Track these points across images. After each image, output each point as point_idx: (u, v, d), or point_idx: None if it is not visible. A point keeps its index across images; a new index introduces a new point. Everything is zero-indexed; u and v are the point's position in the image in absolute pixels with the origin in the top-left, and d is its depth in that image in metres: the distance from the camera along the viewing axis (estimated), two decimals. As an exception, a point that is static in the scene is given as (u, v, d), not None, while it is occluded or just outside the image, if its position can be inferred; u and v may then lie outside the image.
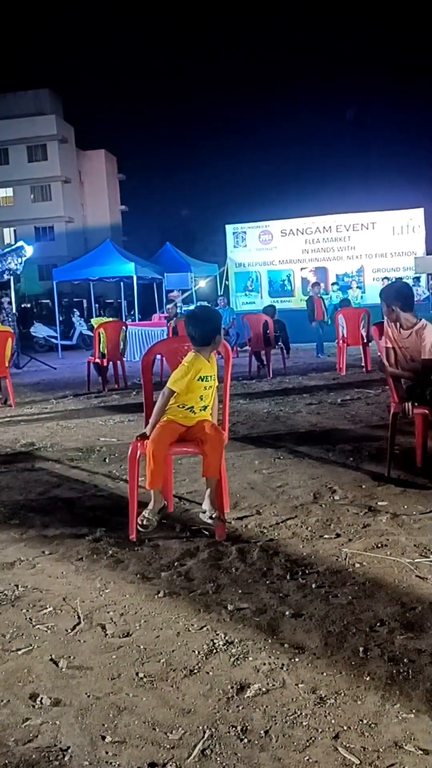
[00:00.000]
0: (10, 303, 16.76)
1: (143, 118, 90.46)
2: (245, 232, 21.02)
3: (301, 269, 20.61)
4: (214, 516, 3.70)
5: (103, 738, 2.07)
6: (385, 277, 19.23)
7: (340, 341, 11.63)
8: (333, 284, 19.68)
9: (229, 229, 21.17)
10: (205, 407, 3.92)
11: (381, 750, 1.96)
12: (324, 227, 20.49)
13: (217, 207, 46.60)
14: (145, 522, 3.72)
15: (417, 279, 19.33)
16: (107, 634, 2.73)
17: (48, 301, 29.06)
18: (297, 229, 20.66)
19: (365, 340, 11.39)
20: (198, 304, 16.63)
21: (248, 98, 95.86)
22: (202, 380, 3.86)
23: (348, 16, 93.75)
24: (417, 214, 19.97)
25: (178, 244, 25.79)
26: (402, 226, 19.92)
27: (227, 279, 21.60)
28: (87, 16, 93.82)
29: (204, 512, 3.75)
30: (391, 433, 4.78)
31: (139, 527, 3.72)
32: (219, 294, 20.48)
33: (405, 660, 2.42)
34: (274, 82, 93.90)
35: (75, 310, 24.11)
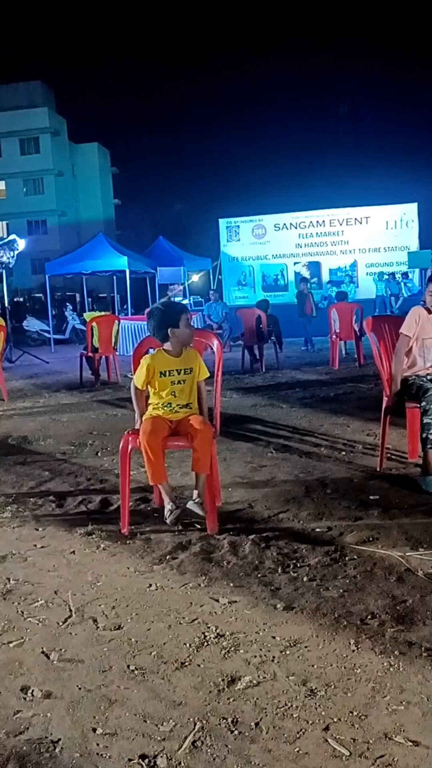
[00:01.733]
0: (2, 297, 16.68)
1: (136, 112, 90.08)
2: (239, 227, 21.00)
3: (295, 263, 20.61)
4: (196, 500, 3.81)
5: (94, 730, 2.08)
6: (382, 272, 19.28)
7: (333, 336, 11.64)
8: (327, 282, 19.71)
9: (223, 223, 21.14)
10: (185, 405, 3.94)
11: (371, 741, 1.96)
12: (317, 222, 20.49)
13: (210, 201, 46.41)
14: (172, 517, 3.81)
15: (405, 274, 19.38)
16: (98, 627, 2.73)
17: (40, 295, 28.99)
18: (290, 224, 20.65)
19: (358, 335, 11.40)
20: (160, 301, 16.56)
21: (242, 92, 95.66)
22: (165, 375, 3.89)
23: (343, 10, 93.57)
24: (411, 209, 19.98)
25: (171, 238, 25.68)
26: (396, 221, 19.94)
27: (220, 273, 21.58)
28: (79, 8, 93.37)
29: (194, 500, 3.84)
30: (383, 428, 4.79)
31: (169, 523, 3.81)
32: (211, 288, 20.45)
33: (396, 652, 2.43)
34: (267, 75, 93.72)
35: (68, 304, 24.02)
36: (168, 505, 3.85)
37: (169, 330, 3.90)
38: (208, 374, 4.07)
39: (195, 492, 3.90)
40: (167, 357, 3.93)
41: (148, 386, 3.96)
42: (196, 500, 3.85)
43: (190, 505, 3.86)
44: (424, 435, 4.25)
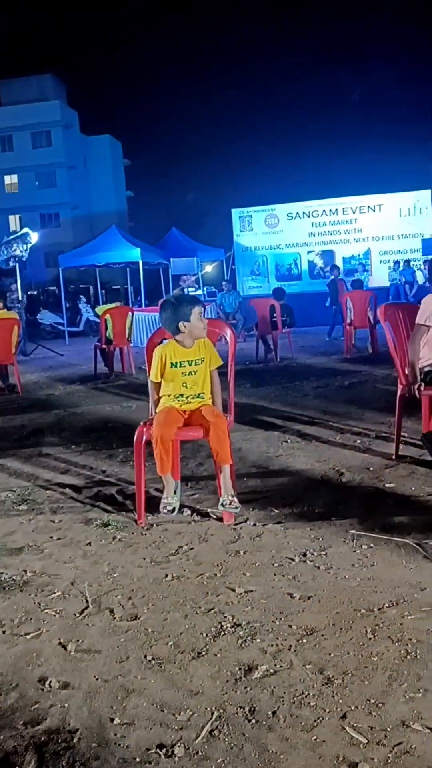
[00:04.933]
0: (16, 290, 16.73)
1: (147, 103, 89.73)
2: (251, 216, 20.93)
3: (308, 252, 20.53)
4: (226, 503, 3.67)
5: (112, 720, 2.08)
6: (397, 261, 19.16)
7: (347, 324, 11.59)
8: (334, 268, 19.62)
9: (235, 213, 21.07)
10: (198, 395, 3.91)
11: (388, 729, 1.96)
12: (330, 210, 20.38)
13: (222, 191, 46.31)
14: (167, 507, 3.76)
15: (426, 262, 19.20)
16: (115, 618, 2.74)
17: (54, 288, 29.05)
18: (303, 212, 20.55)
19: (372, 323, 11.35)
20: (173, 293, 16.50)
21: (253, 80, 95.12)
22: (176, 366, 3.86)
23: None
24: (424, 196, 19.83)
25: (184, 229, 25.63)
26: (409, 208, 19.79)
27: (234, 263, 21.52)
28: (90, 1, 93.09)
29: (222, 504, 3.69)
30: (398, 415, 4.76)
31: (164, 513, 3.76)
32: (225, 278, 20.41)
33: (413, 640, 2.41)
34: (278, 64, 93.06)
35: (81, 296, 24.09)
36: (166, 499, 3.81)
37: (180, 324, 3.87)
38: (221, 362, 4.04)
39: (221, 490, 3.73)
40: (178, 348, 3.90)
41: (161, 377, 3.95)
42: (226, 500, 3.66)
43: (221, 509, 3.70)
44: None
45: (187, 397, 3.89)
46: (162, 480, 3.88)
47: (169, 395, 3.90)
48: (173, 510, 3.77)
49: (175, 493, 3.85)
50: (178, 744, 1.96)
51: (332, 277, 15.82)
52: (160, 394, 3.96)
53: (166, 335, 4.13)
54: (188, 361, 3.89)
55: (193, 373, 3.90)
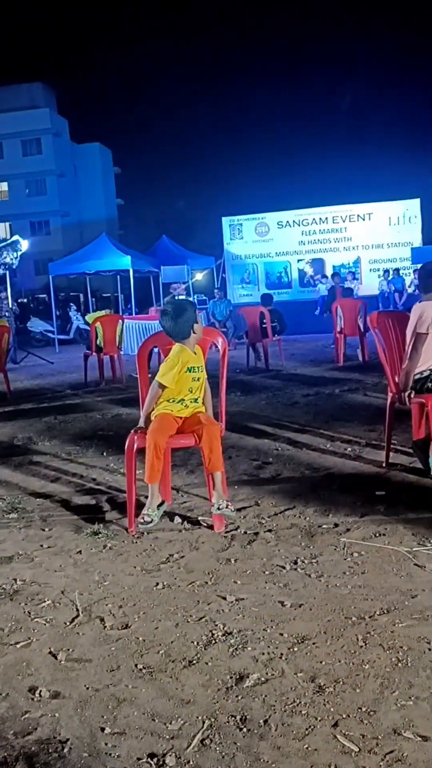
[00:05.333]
0: (6, 298, 16.67)
1: (138, 111, 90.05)
2: (241, 225, 21.02)
3: (298, 261, 20.61)
4: (222, 506, 3.65)
5: (103, 729, 2.07)
6: (387, 269, 19.27)
7: (338, 332, 11.63)
8: (323, 277, 19.71)
9: (226, 221, 21.16)
10: (196, 399, 3.91)
11: (380, 737, 1.96)
12: (320, 218, 20.50)
13: (213, 199, 46.46)
14: (145, 519, 3.67)
15: (416, 271, 19.31)
16: (106, 627, 2.73)
17: (44, 295, 29.03)
18: (293, 221, 20.67)
19: (362, 331, 11.38)
20: (168, 300, 16.50)
21: (243, 89, 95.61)
22: (190, 371, 3.86)
23: (344, 3, 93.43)
24: (413, 205, 19.98)
25: (174, 237, 25.66)
26: (398, 217, 19.93)
27: (224, 271, 21.57)
28: (81, 9, 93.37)
29: (218, 508, 3.66)
30: (388, 423, 4.78)
31: (140, 525, 3.69)
32: (216, 286, 20.45)
33: (404, 648, 2.42)
34: (269, 73, 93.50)
35: (72, 304, 24.05)
36: (147, 510, 3.68)
37: (195, 325, 3.89)
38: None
39: (215, 495, 3.71)
40: (190, 353, 3.89)
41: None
42: (222, 504, 3.64)
43: (216, 512, 3.67)
44: None
45: (187, 401, 3.87)
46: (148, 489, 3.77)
47: (170, 400, 3.87)
48: (150, 521, 3.66)
49: (158, 508, 3.71)
50: (170, 753, 1.95)
51: (332, 284, 15.93)
52: (161, 398, 3.92)
53: (159, 343, 4.13)
54: (197, 367, 3.89)
55: (199, 378, 3.91)
